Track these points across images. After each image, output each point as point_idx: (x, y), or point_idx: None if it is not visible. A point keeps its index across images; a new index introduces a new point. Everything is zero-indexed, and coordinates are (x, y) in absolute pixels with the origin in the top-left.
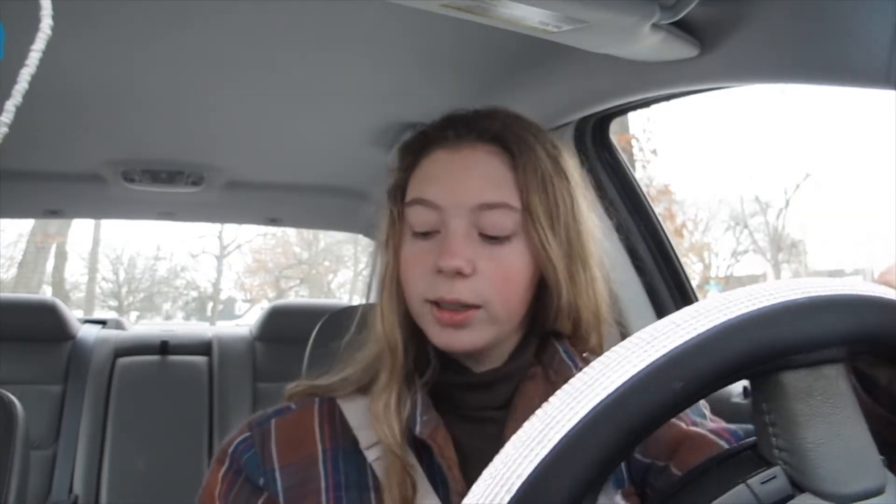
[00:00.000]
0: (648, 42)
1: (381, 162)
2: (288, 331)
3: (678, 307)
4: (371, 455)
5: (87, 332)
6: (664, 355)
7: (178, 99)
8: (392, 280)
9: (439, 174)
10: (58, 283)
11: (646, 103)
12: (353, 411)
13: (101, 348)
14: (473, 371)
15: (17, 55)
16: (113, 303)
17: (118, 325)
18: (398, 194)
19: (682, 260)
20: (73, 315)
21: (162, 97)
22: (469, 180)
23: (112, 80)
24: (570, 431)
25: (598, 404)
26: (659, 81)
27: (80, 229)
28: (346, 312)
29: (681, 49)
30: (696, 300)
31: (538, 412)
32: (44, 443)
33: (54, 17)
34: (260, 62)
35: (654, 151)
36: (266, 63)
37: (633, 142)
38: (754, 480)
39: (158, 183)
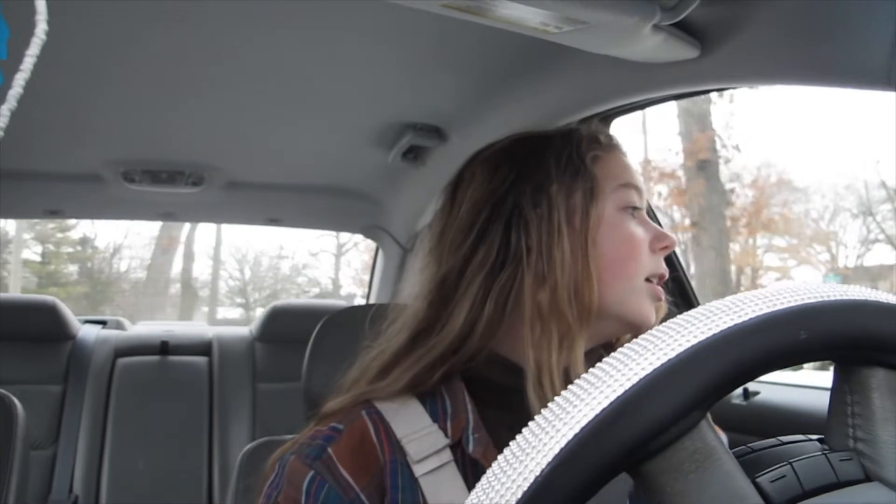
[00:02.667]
0: (649, 43)
1: (382, 162)
2: (288, 331)
3: (679, 306)
4: (419, 469)
5: (88, 332)
6: (798, 306)
7: (179, 99)
8: (586, 259)
9: (632, 169)
10: (186, 281)
11: (647, 104)
12: (401, 420)
13: (101, 348)
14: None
15: (13, 58)
16: (240, 300)
17: (118, 326)
18: (588, 179)
19: (806, 250)
20: (73, 315)
21: (162, 97)
22: None
23: (112, 81)
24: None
25: (723, 330)
26: (660, 82)
27: (206, 231)
28: (347, 313)
29: (681, 50)
30: (697, 300)
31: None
32: (44, 443)
33: (55, 17)
34: (260, 62)
35: (736, 147)
36: (266, 63)
37: (716, 139)
38: (834, 456)
39: (159, 183)
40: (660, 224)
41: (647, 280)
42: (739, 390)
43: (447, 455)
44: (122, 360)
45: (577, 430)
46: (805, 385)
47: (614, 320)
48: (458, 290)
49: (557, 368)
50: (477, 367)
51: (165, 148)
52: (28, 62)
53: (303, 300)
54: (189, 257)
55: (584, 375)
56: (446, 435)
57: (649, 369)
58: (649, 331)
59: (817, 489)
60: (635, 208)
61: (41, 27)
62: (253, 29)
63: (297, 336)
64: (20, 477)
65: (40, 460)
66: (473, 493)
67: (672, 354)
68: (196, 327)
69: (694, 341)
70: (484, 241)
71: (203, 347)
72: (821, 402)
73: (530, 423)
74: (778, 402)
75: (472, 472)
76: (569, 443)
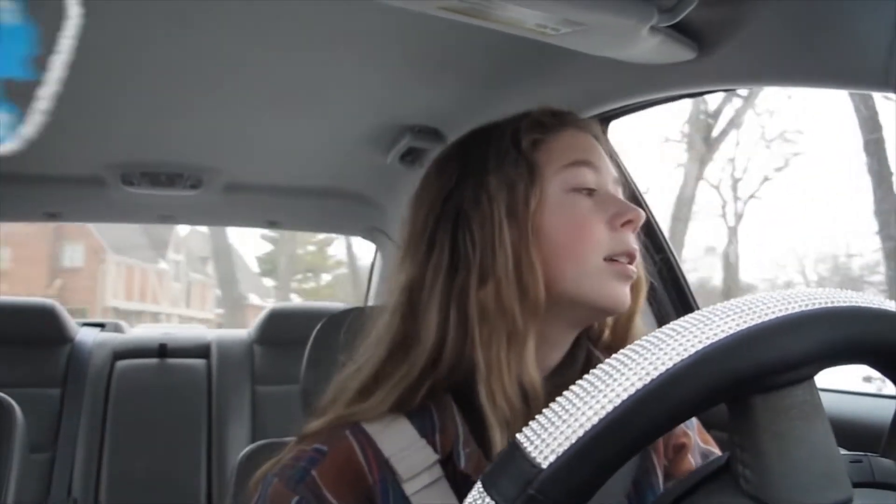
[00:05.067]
0: (646, 44)
1: (380, 164)
2: (286, 334)
3: (676, 308)
4: (410, 488)
5: (86, 336)
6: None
7: (177, 102)
8: (528, 251)
9: (585, 146)
10: None
11: (645, 105)
12: (388, 438)
13: (99, 351)
14: None
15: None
16: None
17: (117, 329)
18: (528, 167)
19: None
20: (71, 318)
21: (161, 100)
22: (605, 156)
23: (111, 84)
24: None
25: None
26: (657, 83)
27: None
28: (345, 315)
29: (679, 51)
30: (695, 301)
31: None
32: (42, 446)
33: (53, 22)
34: (259, 64)
35: None
36: (265, 65)
37: None
38: None
39: (157, 186)
40: (641, 199)
41: (612, 259)
42: None
43: (438, 471)
44: (120, 363)
45: (715, 338)
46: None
47: (579, 305)
48: (422, 300)
49: (508, 369)
50: (461, 379)
51: (164, 150)
52: (65, 44)
53: (300, 303)
54: None
55: (724, 303)
56: (436, 450)
57: (797, 309)
58: (788, 290)
59: (884, 484)
60: (589, 188)
61: (75, 11)
62: (251, 32)
63: (296, 338)
64: (19, 480)
65: (39, 463)
66: (587, 378)
67: (813, 307)
68: (195, 330)
69: (828, 304)
70: (434, 246)
71: (202, 350)
72: (829, 404)
73: (664, 328)
74: None
75: (463, 487)
76: (704, 348)
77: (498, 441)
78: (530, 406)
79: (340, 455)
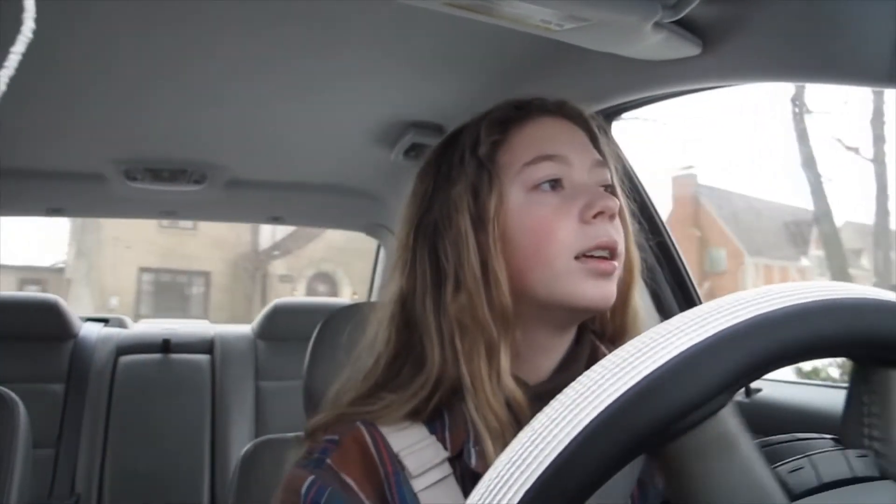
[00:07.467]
0: (651, 41)
1: (383, 160)
2: (290, 329)
3: (679, 303)
4: (418, 484)
5: (89, 331)
6: (822, 300)
7: (181, 97)
8: (493, 259)
9: (550, 136)
10: None
11: (649, 101)
12: (398, 432)
13: (102, 347)
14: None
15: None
16: None
17: (120, 324)
18: (486, 170)
19: None
20: (75, 314)
21: (164, 95)
22: (581, 140)
23: (114, 78)
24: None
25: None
26: (662, 79)
27: None
28: (348, 311)
29: (683, 48)
30: (698, 296)
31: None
32: (45, 442)
33: (58, 17)
34: (263, 60)
35: None
36: (269, 61)
37: None
38: (850, 452)
39: (161, 181)
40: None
41: (586, 256)
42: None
43: (447, 468)
44: (123, 359)
45: (603, 406)
46: (807, 382)
47: (556, 308)
48: (416, 313)
49: (489, 380)
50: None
51: (167, 146)
52: (13, 59)
53: (303, 298)
54: None
55: (610, 355)
56: (445, 447)
57: (676, 352)
58: (681, 314)
59: (834, 483)
60: (554, 181)
61: (28, 25)
62: (255, 27)
63: (299, 334)
64: (22, 476)
65: (42, 459)
66: (493, 468)
67: (699, 339)
68: (198, 325)
69: (721, 328)
70: (418, 261)
71: (205, 345)
72: (823, 399)
73: (558, 397)
74: (780, 399)
75: (471, 485)
76: (594, 419)
77: (491, 452)
78: (517, 416)
79: (354, 443)
